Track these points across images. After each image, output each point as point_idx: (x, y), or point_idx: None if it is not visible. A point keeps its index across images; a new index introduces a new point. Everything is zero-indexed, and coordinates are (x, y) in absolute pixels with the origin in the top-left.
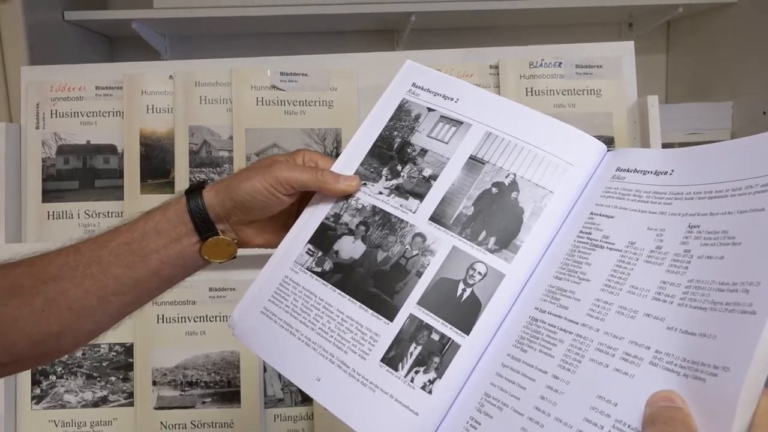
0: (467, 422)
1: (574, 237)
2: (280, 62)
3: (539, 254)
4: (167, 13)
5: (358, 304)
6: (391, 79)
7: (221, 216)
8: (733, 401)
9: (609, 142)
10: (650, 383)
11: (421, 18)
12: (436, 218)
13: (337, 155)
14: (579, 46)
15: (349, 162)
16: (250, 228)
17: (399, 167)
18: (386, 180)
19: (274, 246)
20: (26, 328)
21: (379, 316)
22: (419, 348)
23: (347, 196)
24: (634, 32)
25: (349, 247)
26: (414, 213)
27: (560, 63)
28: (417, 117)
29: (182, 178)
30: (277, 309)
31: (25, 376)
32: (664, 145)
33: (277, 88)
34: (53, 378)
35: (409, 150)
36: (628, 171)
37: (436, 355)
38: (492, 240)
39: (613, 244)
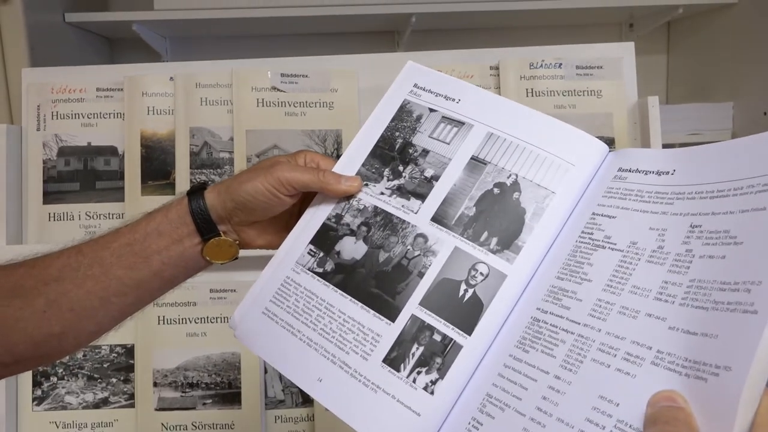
0: (469, 423)
1: (575, 237)
2: (281, 63)
3: (541, 255)
4: (168, 15)
5: (360, 304)
6: (392, 80)
7: (223, 217)
8: (734, 401)
9: (609, 142)
10: (652, 383)
11: (422, 19)
12: (437, 219)
13: (338, 156)
14: (579, 46)
15: (350, 163)
16: (251, 229)
17: (401, 168)
18: (388, 180)
19: (276, 247)
20: (28, 329)
21: (380, 316)
22: (421, 349)
23: (349, 197)
24: (634, 33)
25: (351, 248)
26: (416, 213)
27: (560, 64)
28: (418, 118)
29: (183, 180)
30: (278, 310)
31: (26, 378)
32: (665, 146)
33: (278, 90)
34: (54, 379)
35: (410, 150)
36: (629, 171)
37: (438, 356)
38: (494, 240)
39: (615, 244)
